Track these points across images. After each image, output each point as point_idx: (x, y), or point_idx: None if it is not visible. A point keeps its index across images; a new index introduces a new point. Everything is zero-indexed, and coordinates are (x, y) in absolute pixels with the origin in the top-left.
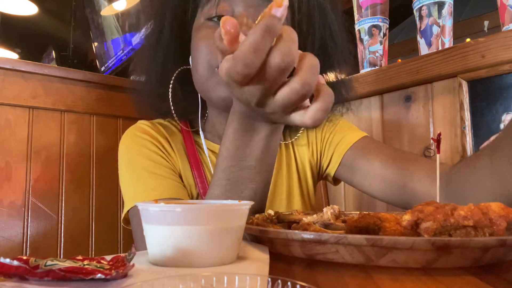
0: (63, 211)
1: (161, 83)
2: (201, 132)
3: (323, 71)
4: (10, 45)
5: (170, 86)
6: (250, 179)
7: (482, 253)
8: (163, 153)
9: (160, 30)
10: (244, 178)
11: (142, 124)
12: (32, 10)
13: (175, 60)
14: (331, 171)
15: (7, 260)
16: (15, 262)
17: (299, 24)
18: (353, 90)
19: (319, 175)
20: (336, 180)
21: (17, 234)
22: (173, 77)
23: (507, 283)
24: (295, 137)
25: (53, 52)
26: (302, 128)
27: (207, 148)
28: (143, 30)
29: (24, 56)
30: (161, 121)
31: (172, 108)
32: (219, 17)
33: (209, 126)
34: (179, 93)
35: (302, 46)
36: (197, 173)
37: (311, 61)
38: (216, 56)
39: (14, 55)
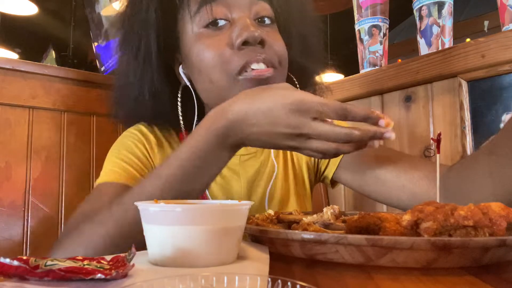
0: (63, 211)
1: (155, 103)
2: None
3: (303, 65)
4: (10, 45)
5: (179, 103)
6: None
7: (482, 253)
8: (145, 149)
9: (146, 50)
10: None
11: (140, 124)
12: (32, 10)
13: (165, 77)
14: (329, 174)
15: (7, 260)
16: (15, 262)
17: (281, 22)
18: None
19: (316, 178)
20: (333, 183)
21: (17, 234)
22: (179, 95)
23: (507, 283)
24: None
25: (53, 52)
26: None
27: None
28: (122, 51)
29: (24, 56)
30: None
31: (181, 123)
32: (216, 21)
33: None
34: (171, 106)
35: (286, 42)
36: None
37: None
38: (233, 63)
39: (14, 55)
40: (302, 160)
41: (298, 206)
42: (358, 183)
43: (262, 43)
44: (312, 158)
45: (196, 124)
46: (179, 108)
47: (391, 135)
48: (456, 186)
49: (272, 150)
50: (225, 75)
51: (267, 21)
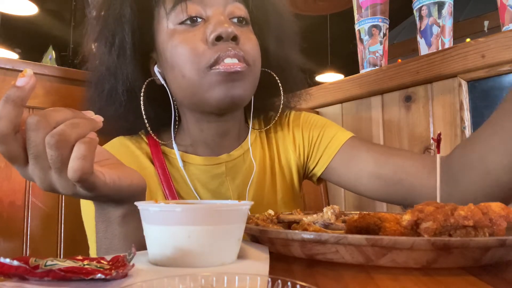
0: (63, 211)
1: (128, 100)
2: (174, 145)
3: (281, 66)
4: (10, 45)
5: (141, 99)
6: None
7: (482, 253)
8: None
9: (120, 46)
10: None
11: (114, 141)
12: (32, 10)
13: (138, 76)
14: (318, 172)
15: (7, 260)
16: (15, 262)
17: (257, 23)
18: (298, 99)
19: (304, 175)
20: (319, 180)
21: (17, 234)
22: (143, 91)
23: (507, 283)
24: (273, 122)
25: (53, 52)
26: (278, 115)
27: (183, 160)
28: (97, 48)
29: (24, 56)
30: (126, 138)
31: (146, 123)
32: (192, 19)
33: (182, 137)
34: (148, 107)
35: (263, 43)
36: (168, 192)
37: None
38: (205, 58)
39: (14, 55)
40: (291, 159)
41: (287, 206)
42: (352, 181)
43: (235, 39)
44: (302, 158)
45: (174, 125)
46: (142, 107)
47: (20, 80)
48: (462, 158)
49: (251, 151)
50: (196, 69)
51: (241, 21)
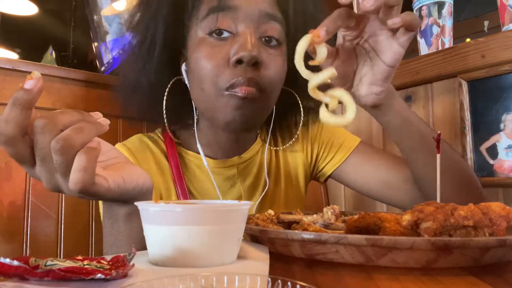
0: (63, 211)
1: (152, 93)
2: (199, 146)
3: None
4: (10, 45)
5: (164, 98)
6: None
7: (482, 253)
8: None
9: (152, 41)
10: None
11: (133, 138)
12: (32, 10)
13: (166, 70)
14: (327, 172)
15: (7, 260)
16: (15, 262)
17: (293, 42)
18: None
19: (312, 175)
20: (325, 179)
21: (17, 234)
22: (167, 89)
23: (507, 283)
24: (288, 144)
25: (53, 52)
26: (296, 136)
27: (196, 161)
28: (129, 38)
29: (24, 56)
30: (145, 136)
31: (165, 119)
32: (220, 32)
33: (199, 136)
34: (170, 104)
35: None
36: (181, 191)
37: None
38: (223, 79)
39: (14, 55)
40: (298, 162)
41: (292, 207)
42: (359, 184)
43: (256, 64)
44: (309, 158)
45: (196, 120)
46: (164, 102)
47: (28, 83)
48: None
49: (265, 156)
50: (214, 87)
51: (273, 42)
